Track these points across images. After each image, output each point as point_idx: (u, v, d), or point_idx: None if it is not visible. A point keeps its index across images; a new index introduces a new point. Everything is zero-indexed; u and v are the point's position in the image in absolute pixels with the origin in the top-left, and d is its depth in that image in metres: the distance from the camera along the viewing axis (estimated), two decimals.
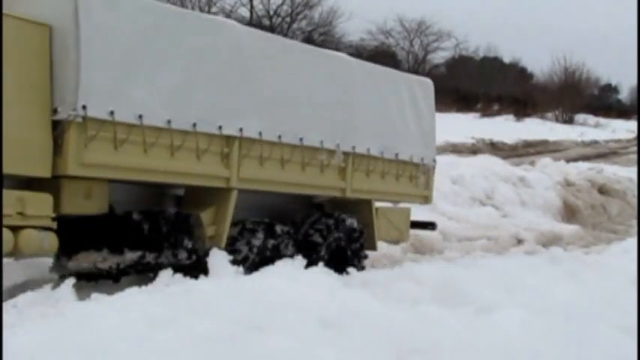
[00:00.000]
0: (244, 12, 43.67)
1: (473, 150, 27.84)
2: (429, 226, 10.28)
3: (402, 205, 9.86)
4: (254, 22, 42.03)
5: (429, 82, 10.04)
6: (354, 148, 8.54)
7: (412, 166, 9.51)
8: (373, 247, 9.11)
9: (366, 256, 8.86)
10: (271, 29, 42.48)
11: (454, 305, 5.26)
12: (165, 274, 6.05)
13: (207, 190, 7.15)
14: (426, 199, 9.99)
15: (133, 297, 4.97)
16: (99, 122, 6.06)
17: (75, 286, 5.52)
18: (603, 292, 6.29)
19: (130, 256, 6.58)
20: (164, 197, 7.39)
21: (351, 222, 8.62)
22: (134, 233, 6.64)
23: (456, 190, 15.34)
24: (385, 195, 9.30)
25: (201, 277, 6.05)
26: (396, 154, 9.17)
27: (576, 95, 50.27)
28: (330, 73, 8.37)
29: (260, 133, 7.43)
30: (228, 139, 7.17)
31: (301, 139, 7.87)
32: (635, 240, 10.17)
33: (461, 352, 4.40)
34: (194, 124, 6.81)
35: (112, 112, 6.12)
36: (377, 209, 9.21)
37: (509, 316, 5.04)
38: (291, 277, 5.46)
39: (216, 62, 7.09)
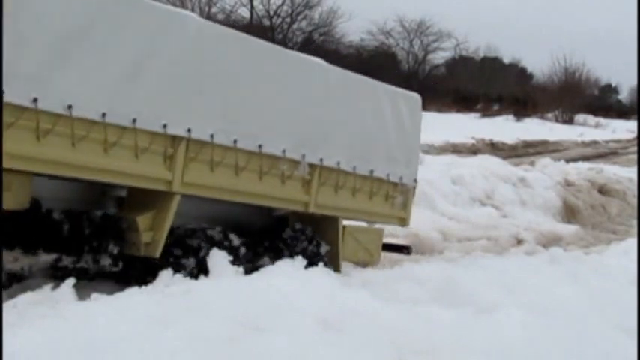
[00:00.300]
0: (244, 12, 43.70)
1: (473, 150, 27.86)
2: (404, 250, 9.73)
3: (377, 225, 9.17)
4: (254, 22, 42.07)
5: (416, 97, 9.35)
6: (321, 160, 7.91)
7: (389, 185, 8.85)
8: (336, 269, 8.17)
9: None
10: (271, 29, 42.54)
11: (454, 305, 5.26)
12: (166, 274, 6.04)
13: (149, 193, 6.58)
14: (403, 222, 9.30)
15: (133, 297, 4.97)
16: (19, 109, 5.58)
17: (75, 286, 5.51)
18: (603, 292, 6.29)
19: (45, 258, 6.12)
20: (106, 198, 6.85)
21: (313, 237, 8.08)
22: (52, 233, 6.15)
23: (456, 190, 15.34)
24: (355, 213, 8.63)
25: (202, 277, 6.05)
26: (371, 171, 8.53)
27: (576, 95, 50.35)
28: (301, 79, 7.77)
29: (212, 136, 6.81)
30: (174, 140, 6.58)
31: (260, 146, 7.26)
32: (635, 240, 10.17)
33: (461, 352, 4.40)
34: (134, 120, 6.22)
35: (35, 100, 5.61)
36: (344, 228, 8.55)
37: (509, 316, 5.04)
38: (291, 277, 5.46)
39: (165, 55, 6.49)
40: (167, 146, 6.55)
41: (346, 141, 8.23)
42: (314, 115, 7.88)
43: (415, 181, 9.22)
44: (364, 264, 9.03)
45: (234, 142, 7.03)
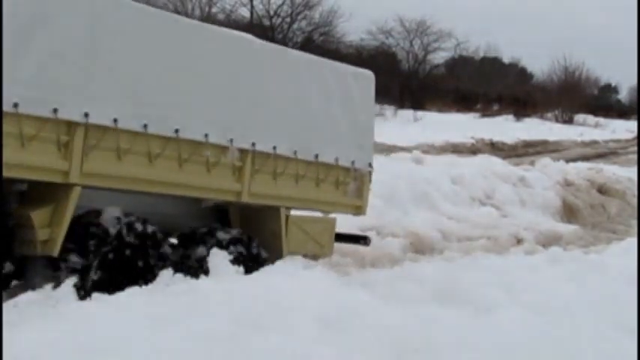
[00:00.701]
0: (244, 12, 43.69)
1: (473, 150, 27.87)
2: (361, 240, 9.02)
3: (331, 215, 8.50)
4: (254, 22, 42.06)
5: (368, 75, 8.62)
6: (254, 144, 7.21)
7: (339, 171, 8.15)
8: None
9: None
10: (271, 29, 42.54)
11: (454, 305, 5.26)
12: (166, 274, 6.05)
13: (48, 186, 5.96)
14: (359, 210, 8.54)
15: (133, 297, 4.97)
16: None
17: (75, 286, 5.52)
18: (603, 292, 6.28)
19: None
20: (10, 193, 6.13)
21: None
22: None
23: (456, 190, 15.34)
24: (301, 202, 7.93)
25: (202, 277, 6.05)
26: (316, 156, 7.84)
27: (576, 95, 50.34)
28: (226, 56, 7.07)
29: (115, 121, 6.13)
30: (69, 125, 5.93)
31: (177, 131, 6.57)
32: (635, 240, 10.16)
33: (461, 352, 4.40)
34: (15, 104, 5.57)
35: None
36: (288, 218, 7.89)
37: (509, 316, 5.04)
38: (291, 276, 5.47)
39: (54, 30, 5.82)
40: (60, 133, 5.91)
41: (284, 123, 7.59)
42: (243, 96, 7.23)
43: (370, 165, 8.51)
44: (314, 256, 8.35)
45: (145, 126, 6.37)
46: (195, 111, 6.81)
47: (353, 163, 8.27)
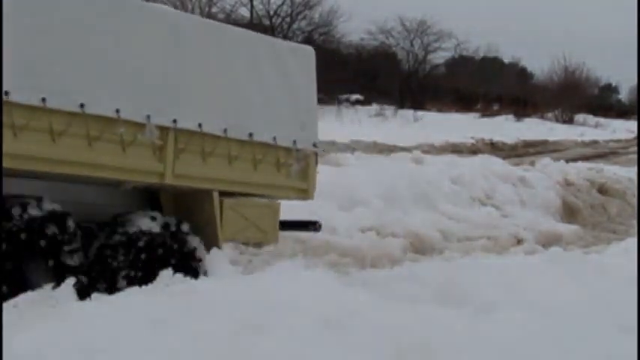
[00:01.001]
0: (244, 12, 43.69)
1: (473, 150, 27.89)
2: (311, 226, 8.40)
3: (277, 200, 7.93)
4: (254, 22, 42.03)
5: (308, 50, 8.11)
6: (175, 121, 6.66)
7: (280, 151, 7.60)
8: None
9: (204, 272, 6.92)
10: (271, 29, 42.50)
11: (454, 305, 5.26)
12: (166, 274, 6.05)
13: None
14: (305, 193, 7.95)
15: (133, 297, 4.97)
16: None
17: (75, 286, 5.51)
18: (603, 292, 6.28)
19: None
20: None
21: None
22: None
23: (455, 190, 15.35)
24: (237, 185, 7.34)
25: (202, 277, 6.05)
26: (250, 134, 7.28)
27: (576, 95, 50.34)
28: (141, 28, 6.58)
29: (7, 93, 5.58)
30: None
31: (82, 106, 6.02)
32: (635, 240, 10.16)
33: (461, 352, 4.40)
34: None
35: None
36: (223, 202, 7.28)
37: (509, 316, 5.04)
38: (291, 276, 5.46)
39: None
40: None
41: (211, 99, 7.05)
42: (160, 69, 6.69)
43: (315, 145, 7.96)
44: (256, 244, 7.98)
45: (43, 100, 5.84)
46: (105, 85, 6.25)
47: (295, 142, 7.71)
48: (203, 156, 6.96)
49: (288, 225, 8.17)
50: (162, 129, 6.62)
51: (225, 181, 7.20)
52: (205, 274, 6.84)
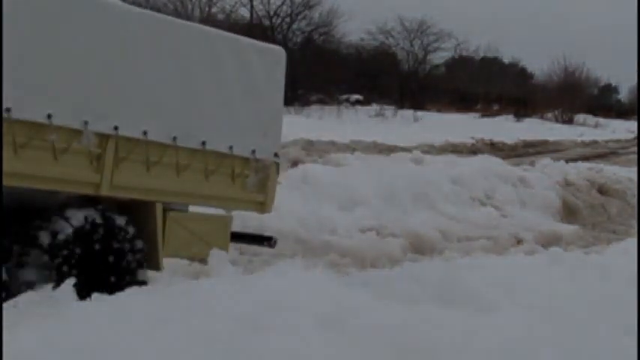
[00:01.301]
0: (245, 12, 43.71)
1: (473, 150, 27.87)
2: (266, 241, 7.85)
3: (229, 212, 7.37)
4: (254, 22, 42.05)
5: (277, 51, 7.43)
6: (116, 128, 6.08)
7: (236, 161, 7.01)
8: (156, 267, 6.59)
9: (144, 283, 6.31)
10: (271, 29, 42.52)
11: (454, 305, 5.26)
12: (166, 274, 6.05)
13: None
14: (262, 206, 7.33)
15: (133, 297, 4.97)
16: None
17: (75, 286, 5.52)
18: (603, 292, 6.28)
19: None
20: None
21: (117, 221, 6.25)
22: None
23: (455, 190, 15.34)
24: (185, 197, 6.81)
25: (202, 277, 6.05)
26: (203, 143, 6.69)
27: (576, 95, 50.36)
28: (77, 20, 5.91)
29: None
30: None
31: (9, 110, 5.45)
32: (635, 240, 10.16)
33: (461, 352, 4.40)
34: None
35: None
36: (167, 215, 6.68)
37: (509, 316, 5.04)
38: (291, 277, 5.46)
39: None
40: None
41: (159, 104, 6.46)
42: (100, 70, 6.07)
43: (276, 155, 7.31)
44: (203, 260, 7.14)
45: None
46: (33, 87, 5.68)
47: (253, 152, 7.08)
48: (147, 166, 6.42)
49: (240, 238, 7.69)
50: (102, 136, 6.08)
51: (172, 192, 6.66)
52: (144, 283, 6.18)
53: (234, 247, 9.30)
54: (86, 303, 4.95)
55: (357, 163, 15.94)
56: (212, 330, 4.24)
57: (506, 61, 57.93)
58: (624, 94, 60.94)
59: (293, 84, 39.84)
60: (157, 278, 6.56)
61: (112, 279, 6.23)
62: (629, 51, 70.17)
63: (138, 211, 6.52)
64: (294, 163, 16.01)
